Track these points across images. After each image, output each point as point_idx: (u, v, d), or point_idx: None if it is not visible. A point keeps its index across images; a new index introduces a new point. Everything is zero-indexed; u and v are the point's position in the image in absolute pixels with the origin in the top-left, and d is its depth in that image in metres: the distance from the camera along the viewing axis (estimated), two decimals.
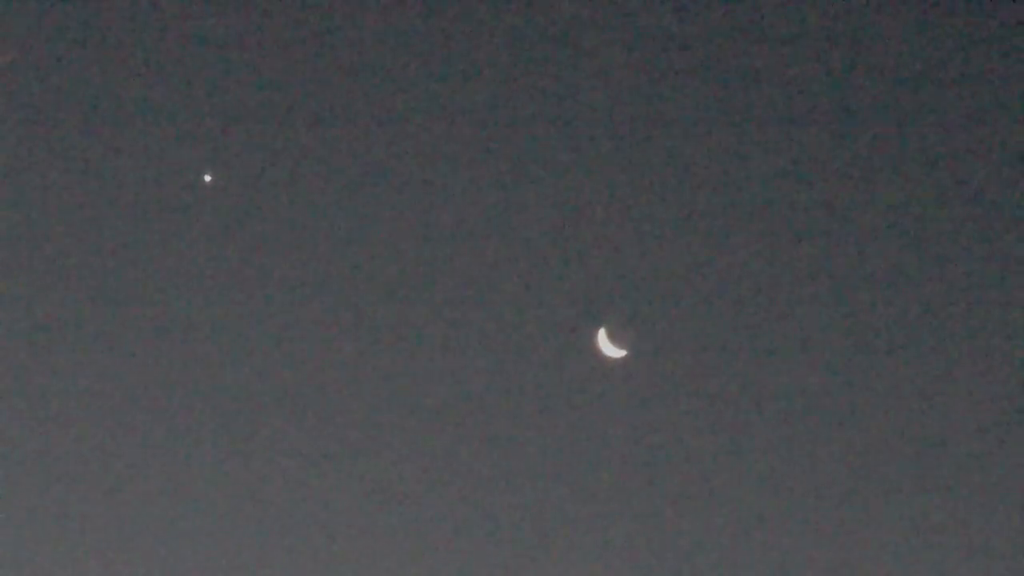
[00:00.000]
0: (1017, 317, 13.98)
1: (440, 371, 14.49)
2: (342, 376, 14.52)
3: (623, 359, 14.48)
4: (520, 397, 14.44)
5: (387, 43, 14.93)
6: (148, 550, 14.13)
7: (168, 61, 14.85)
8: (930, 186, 14.47)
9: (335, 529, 14.26)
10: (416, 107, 14.86)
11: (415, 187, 14.77)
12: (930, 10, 14.28)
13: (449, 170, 14.78)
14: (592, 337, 14.50)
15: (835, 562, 14.04)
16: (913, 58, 14.49)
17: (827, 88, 14.60)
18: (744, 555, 14.13)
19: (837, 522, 14.12)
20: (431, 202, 14.75)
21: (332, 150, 14.81)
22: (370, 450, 14.40)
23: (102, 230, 14.65)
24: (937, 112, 14.48)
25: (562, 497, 14.32)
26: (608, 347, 14.49)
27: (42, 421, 14.34)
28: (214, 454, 14.36)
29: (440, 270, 14.63)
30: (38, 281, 14.52)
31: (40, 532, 14.15)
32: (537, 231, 14.67)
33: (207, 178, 14.82)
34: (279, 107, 14.88)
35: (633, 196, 14.69)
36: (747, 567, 14.10)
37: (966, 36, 14.31)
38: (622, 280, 14.56)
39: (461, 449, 14.39)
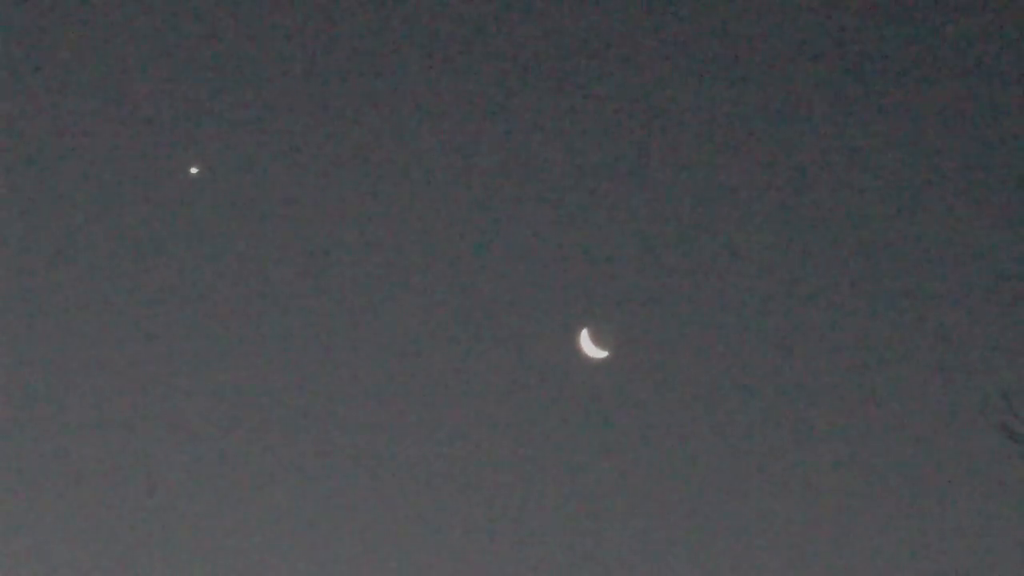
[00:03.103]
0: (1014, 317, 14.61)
1: (426, 371, 14.70)
2: (327, 373, 14.64)
3: (605, 359, 14.86)
4: (504, 396, 14.72)
5: (377, 40, 15.11)
6: (148, 549, 14.07)
7: (158, 57, 14.84)
8: (908, 184, 15.11)
9: (327, 523, 14.36)
10: (403, 109, 15.07)
11: (403, 190, 14.97)
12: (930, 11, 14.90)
13: (438, 175, 15.01)
14: (575, 338, 14.86)
15: (816, 557, 14.55)
16: (913, 58, 15.11)
17: (813, 92, 15.17)
18: (724, 551, 14.57)
19: (817, 518, 14.64)
20: (419, 206, 14.96)
21: (321, 146, 14.94)
22: (355, 447, 14.54)
23: (90, 221, 14.58)
24: (935, 112, 15.13)
25: (545, 493, 14.62)
26: (591, 348, 14.86)
27: (38, 411, 14.22)
28: (206, 440, 14.39)
29: (427, 272, 14.85)
30: (27, 273, 14.39)
31: (40, 532, 14.01)
32: (523, 234, 14.98)
33: (193, 171, 14.86)
34: (267, 102, 14.96)
35: (617, 201, 15.08)
36: (726, 562, 14.54)
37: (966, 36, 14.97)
38: (605, 282, 14.95)
39: (446, 447, 14.61)
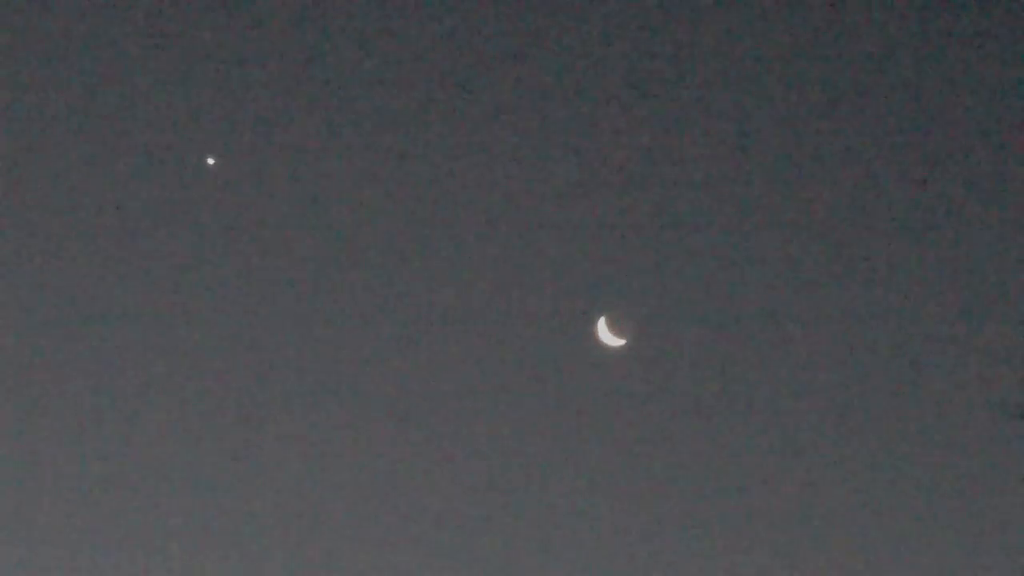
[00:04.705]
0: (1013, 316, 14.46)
1: (443, 359, 14.66)
2: (340, 359, 14.63)
3: (622, 348, 14.76)
4: (521, 385, 14.66)
5: (389, 32, 15.09)
6: (148, 549, 14.13)
7: (173, 48, 14.88)
8: (916, 183, 14.96)
9: (334, 521, 14.36)
10: (418, 100, 15.03)
11: (417, 179, 14.94)
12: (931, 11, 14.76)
13: (453, 163, 14.97)
14: (592, 327, 14.77)
15: (830, 550, 14.41)
16: (913, 58, 14.96)
17: (824, 86, 15.04)
18: (739, 541, 14.46)
19: (832, 510, 14.50)
20: (434, 194, 14.93)
21: (339, 136, 14.93)
22: (372, 437, 14.53)
23: (107, 211, 14.63)
24: (935, 112, 14.97)
25: (560, 484, 14.55)
26: (608, 336, 14.76)
27: (46, 399, 14.30)
28: (220, 430, 14.42)
29: (444, 261, 14.81)
30: (44, 262, 14.46)
31: (41, 532, 14.08)
32: (539, 223, 14.91)
33: (210, 161, 14.87)
34: (285, 92, 14.97)
35: (634, 190, 14.99)
36: (742, 553, 14.42)
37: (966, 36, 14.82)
38: (622, 271, 14.85)
39: (463, 436, 14.57)
